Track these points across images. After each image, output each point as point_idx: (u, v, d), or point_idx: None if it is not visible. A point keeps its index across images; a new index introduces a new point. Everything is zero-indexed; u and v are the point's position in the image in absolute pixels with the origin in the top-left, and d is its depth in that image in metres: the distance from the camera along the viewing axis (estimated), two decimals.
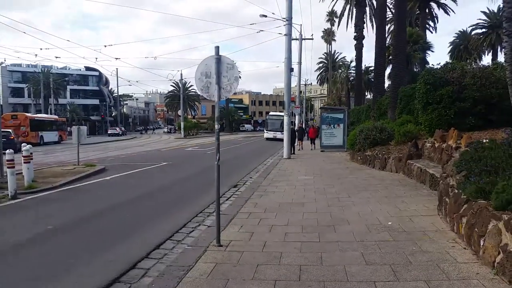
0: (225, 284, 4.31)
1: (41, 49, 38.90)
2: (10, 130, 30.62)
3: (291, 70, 20.95)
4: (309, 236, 6.01)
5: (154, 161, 19.05)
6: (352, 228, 6.36)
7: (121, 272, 4.93)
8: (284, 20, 19.19)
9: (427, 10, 39.47)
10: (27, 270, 5.13)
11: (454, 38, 50.13)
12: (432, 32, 41.88)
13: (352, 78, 58.28)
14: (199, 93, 5.38)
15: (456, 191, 5.88)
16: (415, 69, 32.48)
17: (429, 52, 34.83)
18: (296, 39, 32.05)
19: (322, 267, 4.72)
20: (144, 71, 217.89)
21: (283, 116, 31.14)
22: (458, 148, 8.90)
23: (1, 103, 54.06)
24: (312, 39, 36.91)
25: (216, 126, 5.54)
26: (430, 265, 4.61)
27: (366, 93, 56.28)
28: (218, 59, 5.52)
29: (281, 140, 30.14)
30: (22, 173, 11.20)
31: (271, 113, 52.79)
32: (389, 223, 6.57)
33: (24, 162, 11.01)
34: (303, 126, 40.50)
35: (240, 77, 5.10)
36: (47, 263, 5.41)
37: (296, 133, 25.31)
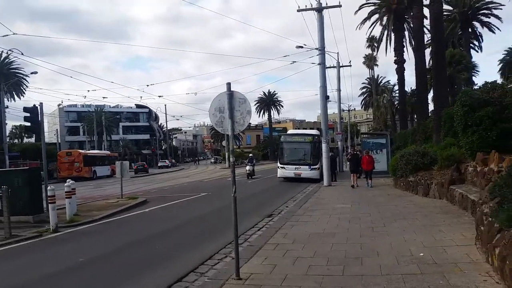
0: None
1: (88, 91, 42.43)
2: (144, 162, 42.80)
3: (327, 97, 20.80)
4: (333, 269, 5.79)
5: (194, 192, 19.36)
6: (381, 261, 6.06)
7: None
8: (318, 50, 19.43)
9: (470, 30, 37.99)
10: None
11: (504, 55, 47.51)
12: (477, 51, 40.05)
13: (396, 102, 56.90)
14: (214, 127, 5.47)
15: (490, 219, 5.47)
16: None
17: (477, 71, 33.33)
18: (332, 67, 31.84)
19: None
20: (190, 106, 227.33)
21: (312, 136, 24.70)
22: (500, 171, 8.31)
23: (59, 142, 57.98)
24: (350, 65, 35.68)
25: (231, 159, 5.61)
26: None
27: (414, 116, 54.55)
28: (231, 94, 5.65)
29: (310, 180, 21.79)
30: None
31: (289, 131, 35.08)
32: (421, 254, 6.19)
33: (66, 197, 11.60)
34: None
35: (251, 111, 5.16)
36: None
37: (349, 163, 20.00)
